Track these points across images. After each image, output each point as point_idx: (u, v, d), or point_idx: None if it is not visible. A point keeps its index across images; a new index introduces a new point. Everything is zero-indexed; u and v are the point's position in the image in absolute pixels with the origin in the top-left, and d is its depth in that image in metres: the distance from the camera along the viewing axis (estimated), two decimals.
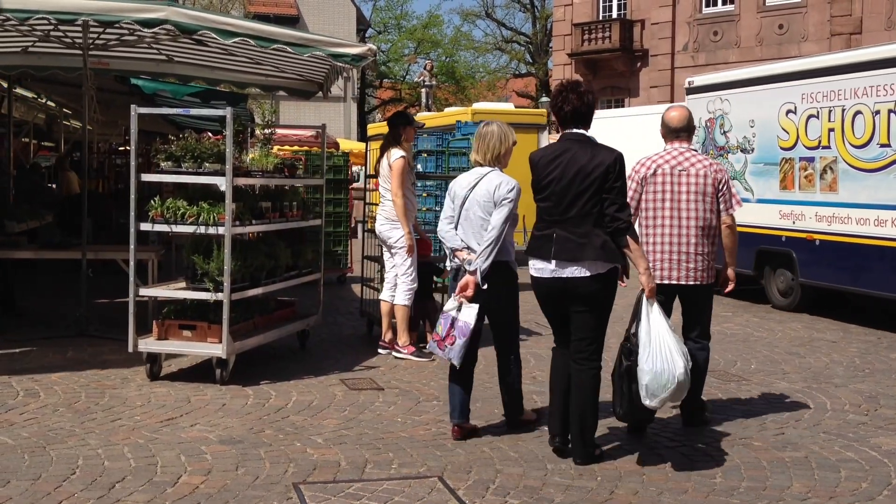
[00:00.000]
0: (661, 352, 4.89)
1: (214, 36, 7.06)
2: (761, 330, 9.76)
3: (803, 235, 10.84)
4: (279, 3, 41.70)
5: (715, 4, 29.45)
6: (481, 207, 5.38)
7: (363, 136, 35.30)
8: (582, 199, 4.89)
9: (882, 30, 24.10)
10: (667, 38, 30.24)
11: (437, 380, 7.09)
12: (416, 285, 7.84)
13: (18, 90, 12.02)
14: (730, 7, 28.93)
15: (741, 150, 11.97)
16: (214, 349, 6.69)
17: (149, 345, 6.80)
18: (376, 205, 9.12)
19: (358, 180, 27.90)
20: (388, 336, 7.98)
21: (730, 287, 5.95)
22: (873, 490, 4.69)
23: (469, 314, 5.25)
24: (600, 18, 32.22)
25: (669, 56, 30.23)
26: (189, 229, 6.73)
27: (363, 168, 26.59)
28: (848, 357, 8.30)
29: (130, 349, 6.77)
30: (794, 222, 10.99)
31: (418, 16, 56.65)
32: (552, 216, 4.99)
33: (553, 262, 4.95)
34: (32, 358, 7.46)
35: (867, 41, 23.98)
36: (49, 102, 13.78)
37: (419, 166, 11.66)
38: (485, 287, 5.28)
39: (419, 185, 11.48)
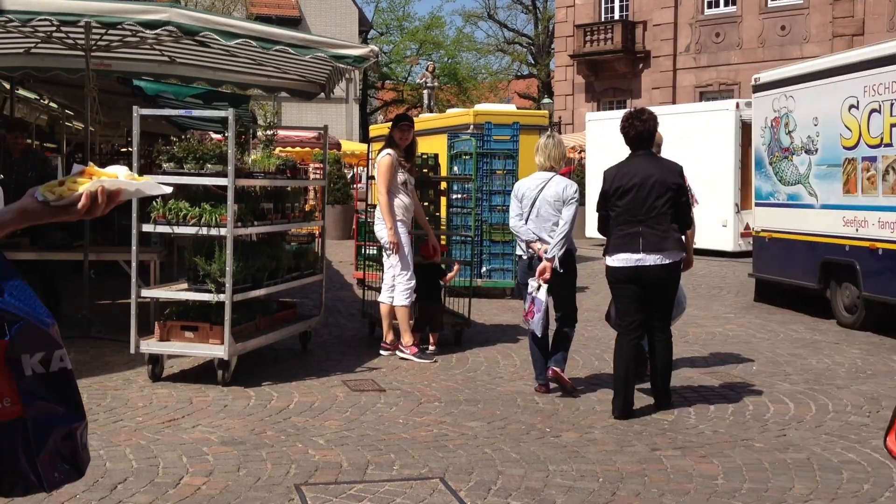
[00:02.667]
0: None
1: (216, 37, 7.07)
2: (763, 332, 9.76)
3: (866, 244, 9.59)
4: (281, 4, 41.73)
5: (717, 6, 29.48)
6: (551, 206, 6.53)
7: (365, 138, 35.30)
8: (660, 203, 6.03)
9: (884, 31, 24.09)
10: (669, 40, 30.26)
11: (439, 381, 7.09)
12: (413, 283, 7.84)
13: (21, 91, 12.03)
14: (732, 8, 28.95)
15: (805, 151, 10.81)
16: (216, 350, 6.69)
17: (151, 346, 6.80)
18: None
19: (360, 182, 27.98)
20: (389, 337, 7.99)
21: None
22: (875, 492, 4.69)
23: (544, 293, 6.42)
24: (602, 20, 32.26)
25: (671, 57, 30.26)
26: (191, 231, 6.74)
27: (366, 170, 26.62)
28: (850, 359, 8.29)
29: (132, 350, 6.77)
30: (857, 230, 9.73)
31: (420, 17, 56.60)
32: (636, 216, 6.06)
33: (641, 252, 6.00)
34: None
35: (869, 43, 23.96)
36: (51, 104, 13.80)
37: (456, 168, 11.59)
38: (561, 271, 6.44)
39: (457, 187, 11.43)
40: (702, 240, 18.94)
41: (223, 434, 5.49)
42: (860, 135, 9.69)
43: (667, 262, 6.04)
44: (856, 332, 9.70)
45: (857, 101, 9.72)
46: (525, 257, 6.71)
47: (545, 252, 6.48)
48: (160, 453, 5.07)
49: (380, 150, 8.00)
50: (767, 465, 5.11)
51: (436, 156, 10.74)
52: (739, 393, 6.85)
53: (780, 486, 4.75)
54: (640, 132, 6.19)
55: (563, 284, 6.61)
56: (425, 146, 10.70)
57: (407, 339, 7.89)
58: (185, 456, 5.04)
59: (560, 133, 30.13)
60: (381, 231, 7.86)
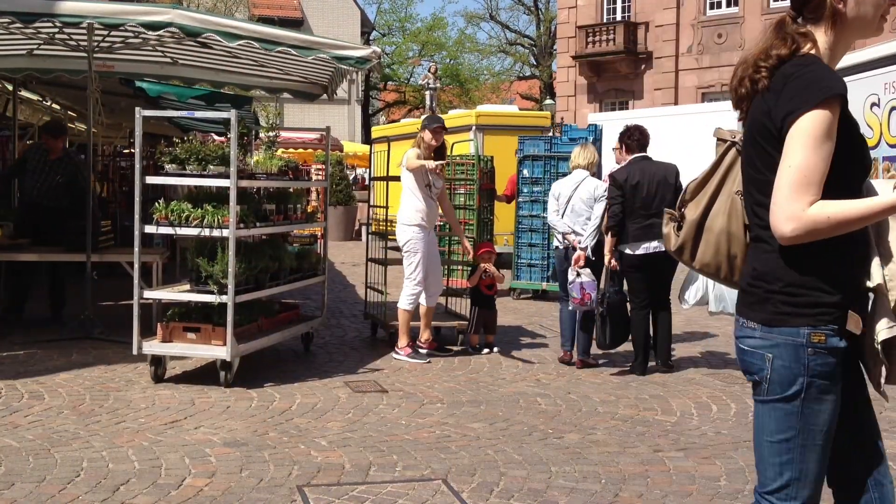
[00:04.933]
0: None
1: (219, 38, 7.08)
2: None
3: None
4: (283, 5, 41.75)
5: (719, 7, 29.48)
6: (584, 203, 7.61)
7: (367, 139, 35.31)
8: (667, 198, 7.14)
9: (888, 31, 24.07)
10: (671, 41, 30.26)
11: (442, 382, 7.09)
12: (420, 289, 7.85)
13: (23, 93, 12.03)
14: (734, 9, 28.94)
15: None
16: (219, 351, 6.70)
17: (153, 347, 6.80)
18: (382, 207, 9.15)
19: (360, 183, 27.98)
20: (424, 336, 8.05)
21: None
22: None
23: (588, 274, 7.38)
24: (604, 21, 32.26)
25: (674, 58, 30.26)
26: (193, 232, 6.74)
27: (368, 171, 26.61)
28: None
29: (135, 351, 6.78)
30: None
31: (422, 18, 56.50)
32: (649, 211, 7.19)
33: (657, 241, 7.13)
34: (37, 360, 7.47)
35: (870, 43, 23.94)
36: (54, 105, 13.80)
37: (525, 171, 11.77)
38: (593, 259, 7.48)
39: (526, 190, 11.77)
40: None
41: (226, 435, 5.49)
42: (881, 134, 9.35)
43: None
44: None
45: (879, 99, 9.40)
46: (562, 248, 7.81)
47: (579, 242, 7.54)
48: (163, 454, 5.07)
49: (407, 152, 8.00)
50: None
51: (491, 158, 10.94)
52: (742, 394, 6.84)
53: None
54: (640, 141, 7.58)
55: (595, 268, 7.61)
56: None
57: (403, 341, 7.90)
58: (188, 457, 5.04)
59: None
60: (399, 234, 7.88)
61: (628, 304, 7.54)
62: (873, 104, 9.49)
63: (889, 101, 9.22)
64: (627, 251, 7.40)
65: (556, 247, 8.02)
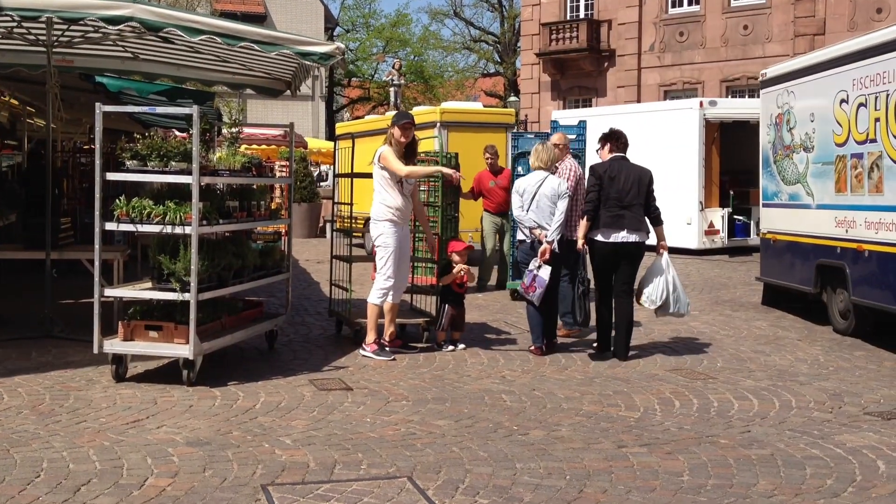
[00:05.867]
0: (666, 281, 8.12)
1: (180, 33, 6.99)
2: (727, 328, 9.85)
3: (854, 246, 8.99)
4: (246, 0, 41.46)
5: (681, 5, 29.70)
6: (549, 199, 8.03)
7: (331, 135, 35.16)
8: (639, 195, 7.95)
9: (845, 31, 24.40)
10: (633, 39, 30.43)
11: (407, 380, 7.08)
12: (391, 283, 7.84)
13: None
14: (695, 8, 29.18)
15: (803, 149, 10.20)
16: (181, 350, 6.63)
17: (114, 346, 6.72)
18: (345, 204, 9.11)
19: (326, 180, 27.86)
20: (388, 332, 8.04)
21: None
22: (838, 487, 4.75)
23: (546, 272, 7.90)
24: (568, 18, 32.36)
25: (636, 56, 30.44)
26: (155, 229, 6.66)
27: (331, 168, 26.51)
28: (812, 355, 8.40)
29: (96, 350, 6.69)
30: (846, 230, 9.13)
31: (386, 14, 56.47)
32: (621, 203, 7.89)
33: (625, 231, 7.87)
34: None
35: (830, 42, 24.25)
36: (12, 100, 13.59)
37: (520, 168, 11.28)
38: (558, 252, 8.03)
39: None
40: (666, 238, 19.15)
41: (188, 434, 5.44)
42: (849, 131, 9.14)
43: (639, 240, 7.96)
44: (817, 329, 9.81)
45: (847, 96, 9.17)
46: (528, 241, 8.19)
47: (545, 236, 7.95)
48: (124, 454, 5.02)
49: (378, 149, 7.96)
50: (732, 461, 5.15)
51: (456, 155, 10.80)
52: (704, 390, 6.91)
53: (745, 482, 4.80)
54: (625, 144, 8.34)
55: (561, 262, 8.35)
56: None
57: (370, 337, 7.89)
58: (150, 457, 4.99)
59: (526, 130, 30.22)
60: (376, 229, 7.86)
61: (593, 291, 8.24)
62: (842, 100, 9.25)
63: (857, 97, 8.97)
64: (600, 238, 7.95)
65: (522, 240, 8.34)
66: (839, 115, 9.33)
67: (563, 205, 8.03)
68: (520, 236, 8.44)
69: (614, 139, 8.28)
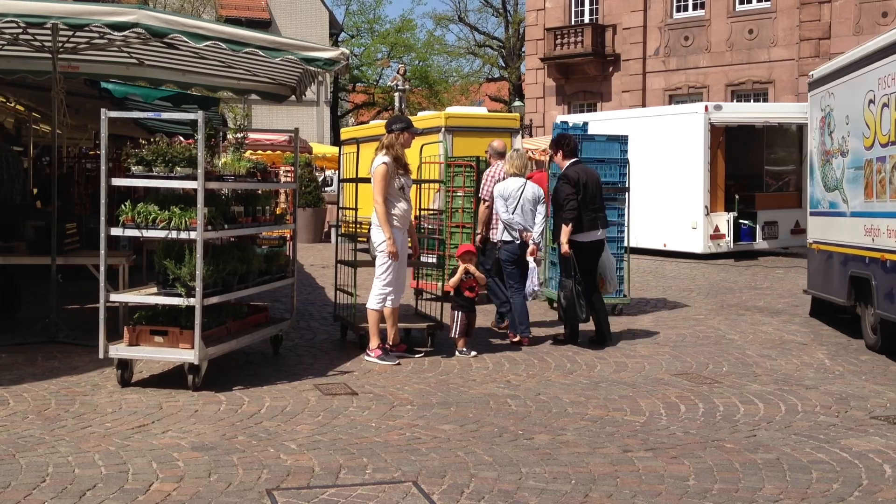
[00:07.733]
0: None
1: (186, 39, 7.01)
2: (733, 332, 9.83)
3: (878, 255, 8.33)
4: (251, 6, 41.50)
5: (686, 10, 29.70)
6: (531, 203, 8.80)
7: (336, 141, 35.20)
8: (601, 196, 8.92)
9: (850, 35, 24.40)
10: (638, 43, 30.44)
11: (412, 384, 7.08)
12: (390, 289, 7.84)
13: None
14: (700, 12, 29.18)
15: (840, 154, 9.53)
16: (186, 355, 6.64)
17: (120, 351, 6.74)
18: (350, 209, 9.12)
19: (331, 185, 27.88)
20: (390, 337, 8.06)
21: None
22: (844, 491, 4.74)
23: (535, 266, 8.87)
24: (572, 23, 32.38)
25: (641, 60, 30.44)
26: (160, 234, 6.68)
27: (336, 173, 26.53)
28: (818, 359, 8.38)
29: (101, 355, 6.70)
30: (873, 239, 8.51)
31: (391, 20, 56.34)
32: (595, 205, 8.77)
33: (600, 230, 8.83)
34: (1, 365, 7.37)
35: (835, 47, 24.28)
36: (18, 106, 13.63)
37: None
38: (541, 251, 9.10)
39: None
40: (672, 242, 19.15)
41: (193, 439, 5.45)
42: (875, 133, 8.47)
43: (605, 237, 9.10)
44: (823, 333, 9.79)
45: (874, 96, 8.51)
46: (517, 242, 8.83)
47: (531, 237, 8.78)
48: (130, 459, 5.02)
49: (374, 157, 7.92)
50: (738, 465, 5.14)
51: (477, 158, 10.82)
52: (709, 394, 6.89)
53: (751, 487, 4.78)
54: (574, 147, 9.07)
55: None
56: None
57: (373, 342, 7.89)
58: (155, 462, 4.99)
59: (532, 135, 30.25)
60: (373, 235, 7.85)
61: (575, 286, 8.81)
62: (870, 101, 8.59)
63: (882, 96, 8.30)
64: (583, 239, 8.70)
65: (510, 241, 8.89)
66: (868, 117, 8.72)
67: (543, 209, 8.87)
68: (507, 237, 8.93)
69: (565, 144, 8.94)
